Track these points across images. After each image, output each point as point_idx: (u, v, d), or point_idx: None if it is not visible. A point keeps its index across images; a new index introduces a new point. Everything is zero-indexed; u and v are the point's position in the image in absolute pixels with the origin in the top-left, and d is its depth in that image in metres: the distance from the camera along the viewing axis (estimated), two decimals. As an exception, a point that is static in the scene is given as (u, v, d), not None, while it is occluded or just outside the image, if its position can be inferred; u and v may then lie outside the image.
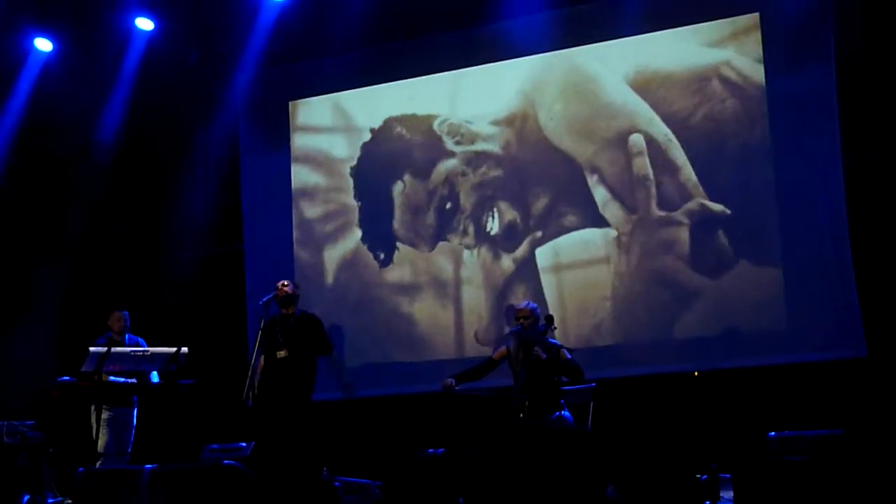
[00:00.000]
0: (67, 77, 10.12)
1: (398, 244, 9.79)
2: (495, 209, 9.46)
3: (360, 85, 10.14)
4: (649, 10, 9.03)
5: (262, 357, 8.16)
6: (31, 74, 10.17)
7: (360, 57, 10.07)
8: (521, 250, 9.31)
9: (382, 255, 9.84)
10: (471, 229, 9.53)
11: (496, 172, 9.51)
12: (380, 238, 9.86)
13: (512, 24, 9.45)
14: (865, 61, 8.41)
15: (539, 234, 9.26)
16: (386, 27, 9.85)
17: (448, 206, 9.64)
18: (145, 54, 10.07)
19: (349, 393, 8.74)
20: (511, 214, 9.39)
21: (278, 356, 8.09)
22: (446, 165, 9.69)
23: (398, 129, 9.93)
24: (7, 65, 10.11)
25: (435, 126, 9.77)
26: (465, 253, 9.52)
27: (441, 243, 9.62)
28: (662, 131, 8.93)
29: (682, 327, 8.73)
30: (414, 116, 9.87)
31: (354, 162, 10.05)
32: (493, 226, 9.45)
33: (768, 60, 8.68)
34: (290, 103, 10.47)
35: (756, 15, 8.78)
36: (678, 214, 8.83)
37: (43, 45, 10.09)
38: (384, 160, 9.95)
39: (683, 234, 8.79)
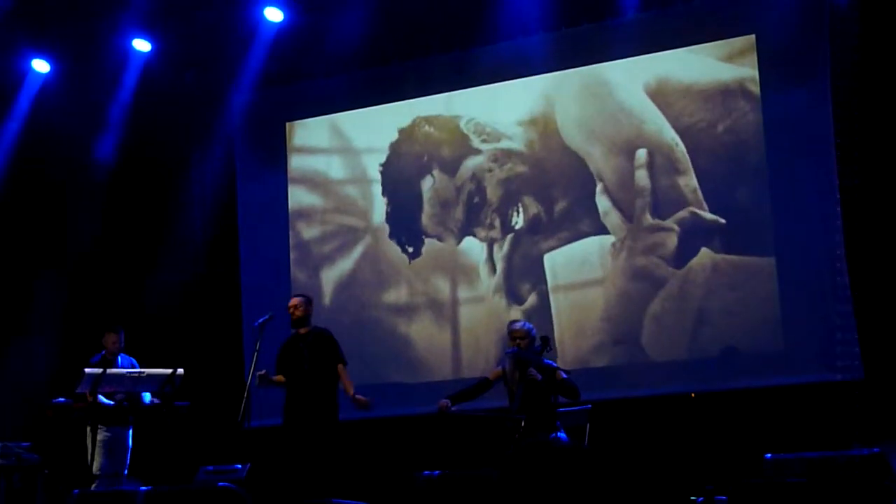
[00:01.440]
0: (65, 98, 10.13)
1: (425, 238, 9.82)
2: (520, 204, 9.49)
3: (356, 106, 10.17)
4: (646, 32, 9.08)
5: (281, 377, 8.05)
6: (28, 95, 10.19)
7: (357, 78, 10.10)
8: (532, 248, 9.40)
9: (411, 249, 9.86)
10: (497, 223, 9.56)
11: (521, 168, 9.54)
12: (408, 232, 9.88)
13: (508, 46, 9.49)
14: (861, 82, 8.42)
15: (552, 240, 9.33)
16: (384, 48, 9.87)
17: (475, 200, 9.66)
18: (142, 75, 10.09)
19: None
20: (535, 209, 9.43)
21: (303, 374, 7.96)
22: (473, 162, 9.72)
23: (426, 127, 9.96)
24: (5, 86, 10.13)
25: (461, 125, 9.80)
26: (463, 275, 9.54)
27: (468, 237, 9.65)
28: (671, 138, 8.95)
29: (680, 349, 8.74)
30: (440, 117, 9.91)
31: (383, 159, 10.04)
32: (518, 220, 9.48)
33: (764, 82, 8.70)
34: (287, 124, 10.48)
35: (752, 37, 8.81)
36: (669, 222, 8.88)
37: (40, 66, 10.11)
38: (413, 156, 9.98)
39: (671, 240, 8.85)
